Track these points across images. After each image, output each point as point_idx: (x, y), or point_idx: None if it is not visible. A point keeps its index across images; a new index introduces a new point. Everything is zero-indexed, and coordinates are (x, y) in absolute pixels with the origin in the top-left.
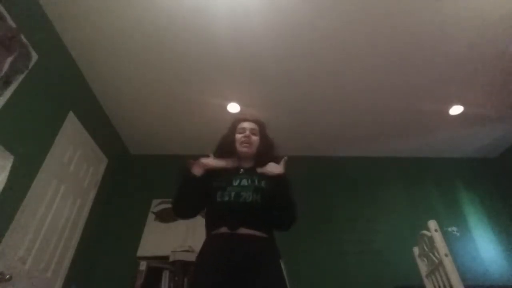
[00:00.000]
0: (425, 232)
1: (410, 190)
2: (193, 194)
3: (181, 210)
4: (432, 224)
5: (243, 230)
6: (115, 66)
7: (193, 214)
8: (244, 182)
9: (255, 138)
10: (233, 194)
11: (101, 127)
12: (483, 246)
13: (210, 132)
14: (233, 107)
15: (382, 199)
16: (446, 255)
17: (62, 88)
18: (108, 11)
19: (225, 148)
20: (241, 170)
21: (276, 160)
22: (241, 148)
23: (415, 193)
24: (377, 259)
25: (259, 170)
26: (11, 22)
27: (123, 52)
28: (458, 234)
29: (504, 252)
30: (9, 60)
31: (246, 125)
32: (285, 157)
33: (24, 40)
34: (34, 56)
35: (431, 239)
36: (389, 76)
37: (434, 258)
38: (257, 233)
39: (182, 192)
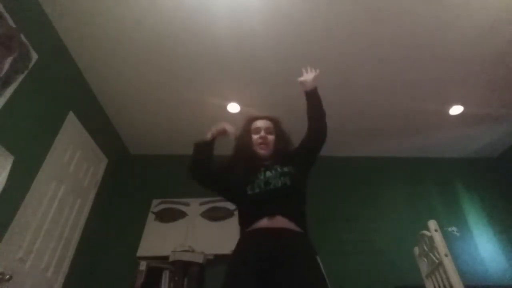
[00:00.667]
0: (425, 232)
1: (410, 190)
2: (204, 155)
3: (195, 171)
4: (432, 224)
5: (280, 220)
6: (115, 66)
7: (207, 176)
8: (268, 173)
9: (271, 138)
10: (262, 184)
11: (101, 127)
12: (483, 246)
13: None
14: (233, 107)
15: (382, 199)
16: (446, 255)
17: (62, 88)
18: (108, 11)
19: (243, 151)
20: (262, 168)
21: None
22: (259, 151)
23: (415, 193)
24: (377, 259)
25: (299, 79)
26: (11, 22)
27: (123, 52)
28: (458, 234)
29: (504, 252)
30: (9, 60)
31: (260, 124)
32: (317, 70)
33: (24, 40)
34: (34, 56)
35: (431, 239)
36: (389, 76)
37: (434, 258)
38: (293, 226)
39: (195, 153)
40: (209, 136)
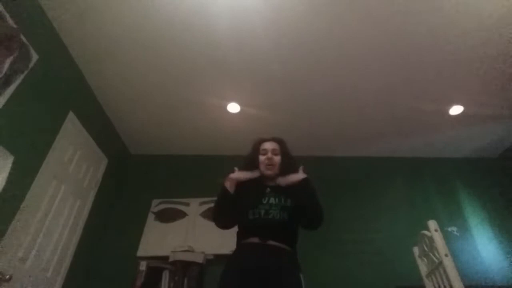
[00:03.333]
0: (425, 232)
1: (410, 190)
2: (230, 207)
3: (222, 222)
4: (432, 224)
5: (272, 242)
6: (115, 66)
7: (232, 225)
8: (272, 200)
9: (277, 159)
10: (262, 212)
11: (101, 127)
12: (483, 246)
13: (210, 132)
14: (233, 107)
15: (382, 199)
16: (446, 255)
17: (62, 88)
18: (108, 11)
19: (250, 170)
20: (268, 189)
21: (295, 172)
22: (266, 171)
23: (415, 193)
24: (377, 259)
25: (282, 183)
26: (11, 22)
27: (123, 52)
28: (458, 234)
29: (504, 252)
30: (9, 60)
31: (267, 145)
32: (302, 166)
33: (24, 40)
34: (34, 56)
35: (431, 239)
36: (389, 76)
37: (434, 258)
38: (283, 245)
39: (220, 206)
40: (231, 188)
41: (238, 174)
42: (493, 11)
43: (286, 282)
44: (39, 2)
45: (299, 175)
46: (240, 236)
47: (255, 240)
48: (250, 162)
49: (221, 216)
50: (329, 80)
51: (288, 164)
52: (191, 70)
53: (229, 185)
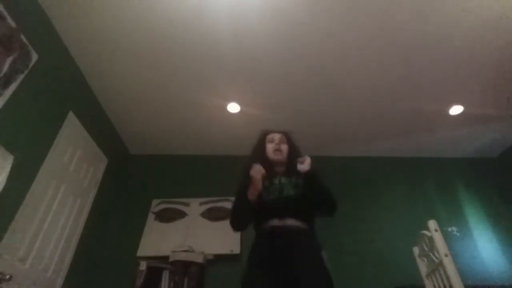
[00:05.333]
0: (425, 232)
1: (410, 190)
2: (249, 214)
3: (238, 226)
4: (432, 224)
5: (290, 221)
6: (115, 66)
7: (247, 227)
8: (284, 180)
9: (284, 147)
10: (277, 192)
11: (101, 127)
12: (483, 246)
13: (210, 132)
14: (233, 107)
15: (382, 199)
16: (446, 255)
17: (62, 88)
18: (108, 12)
19: (259, 158)
20: (279, 173)
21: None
22: (274, 156)
23: (415, 193)
24: (377, 259)
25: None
26: (11, 22)
27: (123, 52)
28: (458, 234)
29: (504, 252)
30: (9, 60)
31: (273, 135)
32: (308, 157)
33: (24, 40)
34: (34, 56)
35: (431, 239)
36: (389, 76)
37: (434, 258)
38: (302, 225)
39: (239, 215)
40: (254, 196)
41: (259, 175)
42: (493, 11)
43: (309, 263)
44: (39, 2)
45: (304, 166)
46: (258, 222)
47: (274, 222)
48: (258, 152)
49: (239, 223)
50: (329, 80)
51: (295, 153)
52: (191, 70)
53: (252, 193)
